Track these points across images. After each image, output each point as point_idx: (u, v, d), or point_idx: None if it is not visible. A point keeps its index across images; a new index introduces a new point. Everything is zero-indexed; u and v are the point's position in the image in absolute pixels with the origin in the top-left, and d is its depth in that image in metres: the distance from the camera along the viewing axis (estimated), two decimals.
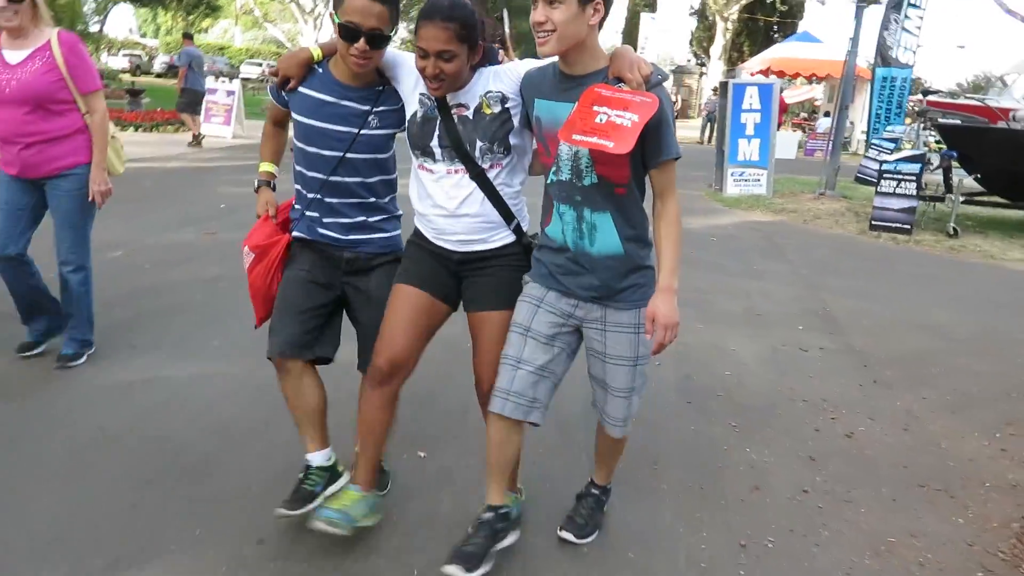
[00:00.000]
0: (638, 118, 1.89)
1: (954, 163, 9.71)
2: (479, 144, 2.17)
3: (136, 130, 14.12)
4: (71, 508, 2.46)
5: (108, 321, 3.96)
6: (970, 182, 9.67)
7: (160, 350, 3.85)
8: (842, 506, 2.84)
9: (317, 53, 2.31)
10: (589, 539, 2.48)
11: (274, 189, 2.51)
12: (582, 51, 2.02)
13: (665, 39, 38.27)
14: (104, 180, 3.45)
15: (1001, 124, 11.07)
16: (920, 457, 3.30)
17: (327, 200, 2.36)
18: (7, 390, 3.28)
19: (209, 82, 14.36)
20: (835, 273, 6.87)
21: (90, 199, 3.43)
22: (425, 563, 2.28)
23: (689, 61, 41.31)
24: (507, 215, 2.25)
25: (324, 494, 2.40)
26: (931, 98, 13.44)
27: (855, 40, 11.57)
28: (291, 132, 2.46)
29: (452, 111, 2.18)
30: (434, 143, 2.20)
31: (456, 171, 2.20)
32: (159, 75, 36.23)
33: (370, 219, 2.41)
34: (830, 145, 12.41)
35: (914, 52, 13.07)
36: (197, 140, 12.78)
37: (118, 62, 36.98)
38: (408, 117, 2.27)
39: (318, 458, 2.46)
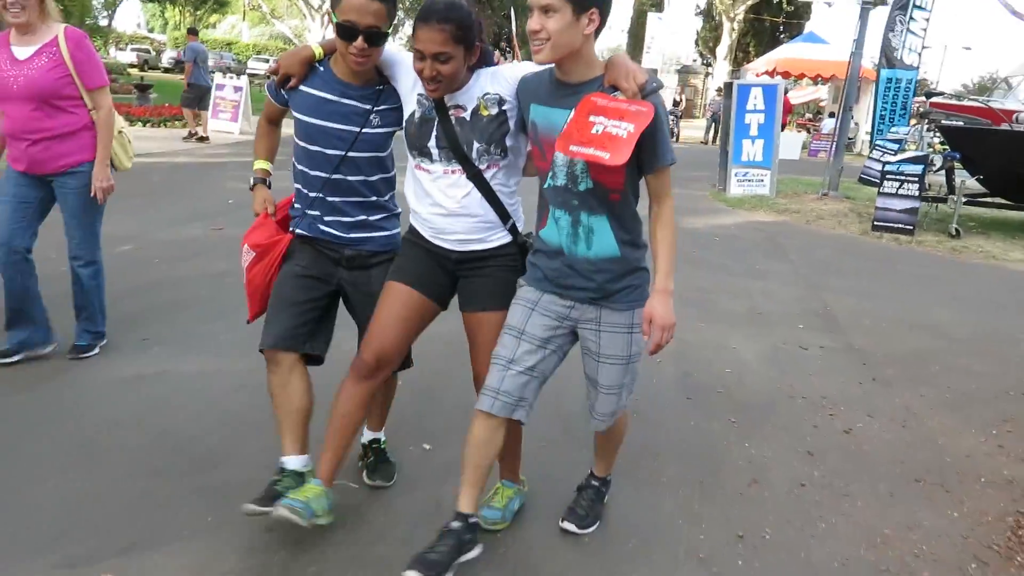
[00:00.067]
0: (634, 128, 1.90)
1: (956, 164, 9.74)
2: (476, 145, 2.19)
3: (144, 125, 14.18)
4: (84, 495, 2.52)
5: (117, 314, 4.01)
6: (972, 183, 9.69)
7: (169, 344, 3.91)
8: (839, 500, 2.89)
9: (318, 51, 2.32)
10: (590, 530, 2.53)
11: (269, 187, 2.54)
12: (577, 60, 2.03)
13: (671, 39, 38.05)
14: (107, 176, 3.46)
15: (1004, 126, 11.09)
16: (917, 453, 3.34)
17: (329, 199, 2.37)
18: (18, 382, 3.34)
19: (217, 78, 14.41)
20: (837, 273, 6.90)
21: (92, 194, 3.44)
22: None
23: (695, 61, 41.26)
24: (503, 215, 2.28)
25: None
26: (935, 100, 13.45)
27: (859, 41, 11.59)
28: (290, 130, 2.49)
29: (450, 112, 2.19)
30: (431, 143, 2.22)
31: (453, 171, 2.22)
32: (167, 70, 36.36)
33: (371, 218, 2.43)
34: (834, 146, 12.43)
35: (919, 54, 13.06)
36: (194, 137, 12.76)
37: (126, 57, 37.19)
38: (406, 117, 2.28)
39: (294, 462, 2.42)
